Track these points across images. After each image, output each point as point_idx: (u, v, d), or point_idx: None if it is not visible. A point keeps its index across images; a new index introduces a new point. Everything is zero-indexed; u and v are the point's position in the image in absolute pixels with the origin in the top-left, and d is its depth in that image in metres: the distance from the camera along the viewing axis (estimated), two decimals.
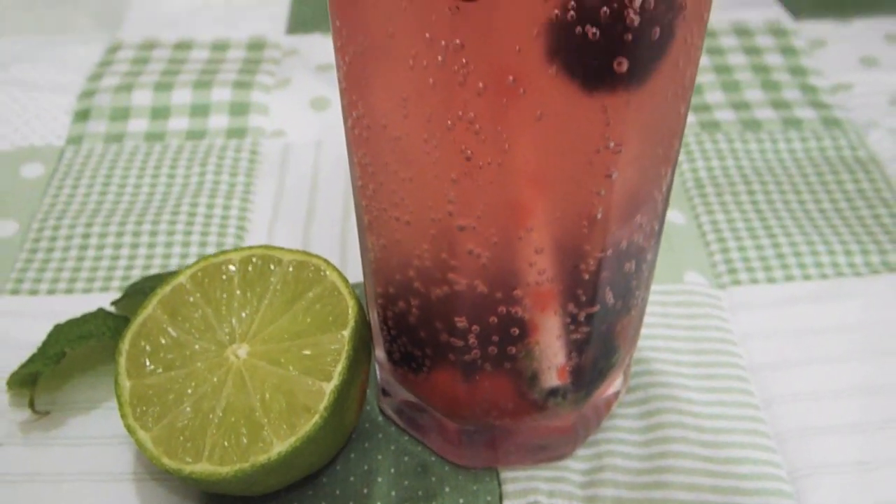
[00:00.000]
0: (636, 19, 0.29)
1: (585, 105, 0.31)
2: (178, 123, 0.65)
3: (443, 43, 0.29)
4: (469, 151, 0.32)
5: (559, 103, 0.30)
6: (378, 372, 0.46)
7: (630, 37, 0.29)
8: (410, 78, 0.31)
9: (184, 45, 0.73)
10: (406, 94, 0.31)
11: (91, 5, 0.78)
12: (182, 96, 0.66)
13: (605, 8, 0.28)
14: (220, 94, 0.67)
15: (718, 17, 0.75)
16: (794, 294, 0.53)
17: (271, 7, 0.78)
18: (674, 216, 0.57)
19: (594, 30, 0.29)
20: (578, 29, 0.28)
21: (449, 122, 0.31)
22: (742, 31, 0.74)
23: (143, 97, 0.66)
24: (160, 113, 0.66)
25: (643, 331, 0.49)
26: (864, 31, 0.74)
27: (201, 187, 0.60)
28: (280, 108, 0.67)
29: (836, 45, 0.73)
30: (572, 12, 0.28)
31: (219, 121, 0.65)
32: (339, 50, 0.34)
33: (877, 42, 0.73)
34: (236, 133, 0.64)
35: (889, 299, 0.52)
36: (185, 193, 0.59)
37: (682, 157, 0.62)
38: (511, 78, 0.29)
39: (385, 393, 0.46)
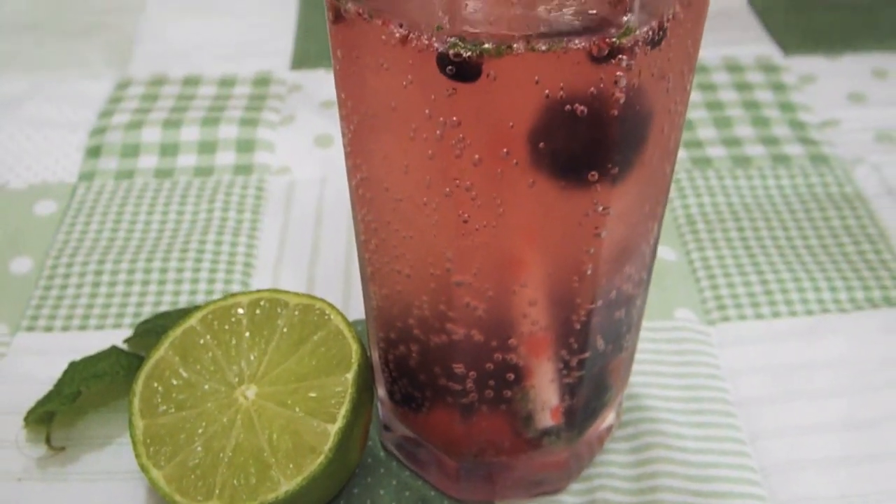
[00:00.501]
0: (621, 97, 0.31)
1: (575, 173, 0.33)
2: (187, 160, 0.67)
3: (441, 119, 0.31)
4: (466, 215, 0.34)
5: (550, 173, 0.32)
6: (380, 408, 0.48)
7: (616, 112, 0.31)
8: (411, 148, 0.33)
9: (192, 81, 0.75)
10: (407, 163, 0.34)
11: (100, 40, 0.80)
12: (190, 133, 0.69)
13: (592, 88, 0.30)
14: (227, 132, 0.69)
15: (711, 54, 0.77)
16: (780, 330, 0.55)
17: (276, 42, 0.80)
18: (665, 253, 0.59)
19: (582, 107, 0.31)
20: (568, 107, 0.31)
21: (447, 189, 0.33)
22: (733, 67, 0.76)
23: (152, 134, 0.68)
24: (169, 150, 0.68)
25: (635, 367, 0.51)
26: (852, 67, 0.76)
27: (209, 224, 0.62)
28: (285, 145, 0.69)
29: (825, 81, 0.75)
30: (562, 92, 0.30)
31: (226, 157, 0.67)
32: (344, 118, 0.36)
33: (864, 77, 0.75)
34: (243, 170, 0.66)
35: (870, 336, 0.54)
36: (193, 230, 0.61)
37: (674, 194, 0.64)
38: (505, 150, 0.32)
39: (387, 428, 0.48)
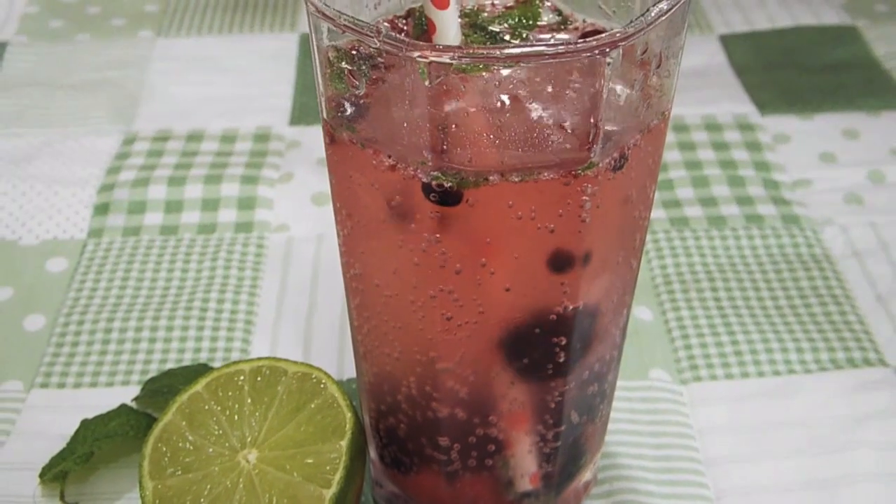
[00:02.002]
0: (587, 217, 0.34)
1: (547, 279, 0.36)
2: (191, 217, 0.71)
3: (425, 235, 0.35)
4: (449, 314, 0.37)
5: (524, 279, 0.36)
6: (372, 467, 0.52)
7: (581, 229, 0.35)
8: (399, 256, 0.36)
9: (195, 137, 0.79)
10: (395, 267, 0.37)
11: (106, 97, 0.83)
12: (194, 190, 0.72)
13: (560, 211, 0.34)
14: (229, 189, 0.72)
15: (692, 112, 0.81)
16: (749, 390, 0.58)
17: (276, 98, 0.84)
18: (642, 313, 0.63)
19: (551, 225, 0.34)
20: (539, 226, 0.34)
21: (431, 292, 0.37)
22: (712, 127, 0.79)
23: (158, 191, 0.72)
24: (174, 206, 0.71)
25: (611, 426, 0.55)
26: (824, 127, 0.80)
27: (212, 282, 0.65)
28: (284, 202, 0.72)
29: (798, 141, 0.78)
30: (533, 214, 0.34)
31: (227, 215, 0.71)
32: (339, 223, 0.40)
33: (836, 138, 0.78)
34: (244, 227, 0.70)
35: (833, 397, 0.58)
36: (197, 288, 0.65)
37: (652, 254, 0.68)
38: (483, 262, 0.35)
39: (378, 485, 0.52)
